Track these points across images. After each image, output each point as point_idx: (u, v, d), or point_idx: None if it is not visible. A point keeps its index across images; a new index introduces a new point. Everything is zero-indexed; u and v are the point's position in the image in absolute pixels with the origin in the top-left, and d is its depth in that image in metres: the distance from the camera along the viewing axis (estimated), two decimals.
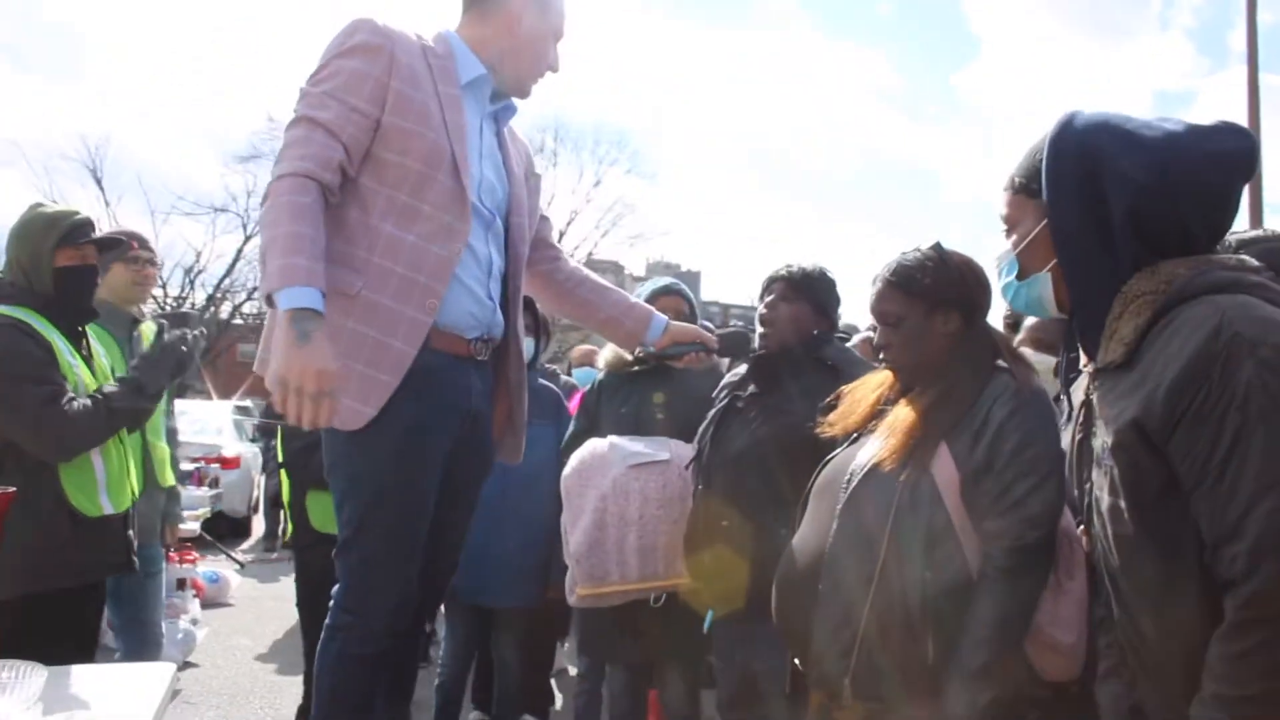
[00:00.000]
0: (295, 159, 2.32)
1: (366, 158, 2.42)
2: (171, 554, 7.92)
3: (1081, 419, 1.77)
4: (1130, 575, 1.63)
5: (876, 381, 2.47)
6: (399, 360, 2.38)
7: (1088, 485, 1.74)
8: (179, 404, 11.10)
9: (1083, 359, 1.79)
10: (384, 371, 2.37)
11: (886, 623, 2.09)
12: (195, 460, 9.84)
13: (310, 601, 3.95)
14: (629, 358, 3.82)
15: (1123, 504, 1.60)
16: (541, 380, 4.41)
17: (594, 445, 3.42)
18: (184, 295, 31.33)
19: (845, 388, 2.53)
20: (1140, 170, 1.62)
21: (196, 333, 3.48)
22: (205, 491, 8.59)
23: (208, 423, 12.82)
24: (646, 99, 62.45)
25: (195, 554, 8.91)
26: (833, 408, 2.50)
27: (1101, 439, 1.65)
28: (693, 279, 35.66)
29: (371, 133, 2.41)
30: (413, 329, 2.40)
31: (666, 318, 3.00)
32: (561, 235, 32.20)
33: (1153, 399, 1.53)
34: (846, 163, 67.35)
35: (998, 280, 1.89)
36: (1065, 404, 1.93)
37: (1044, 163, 1.73)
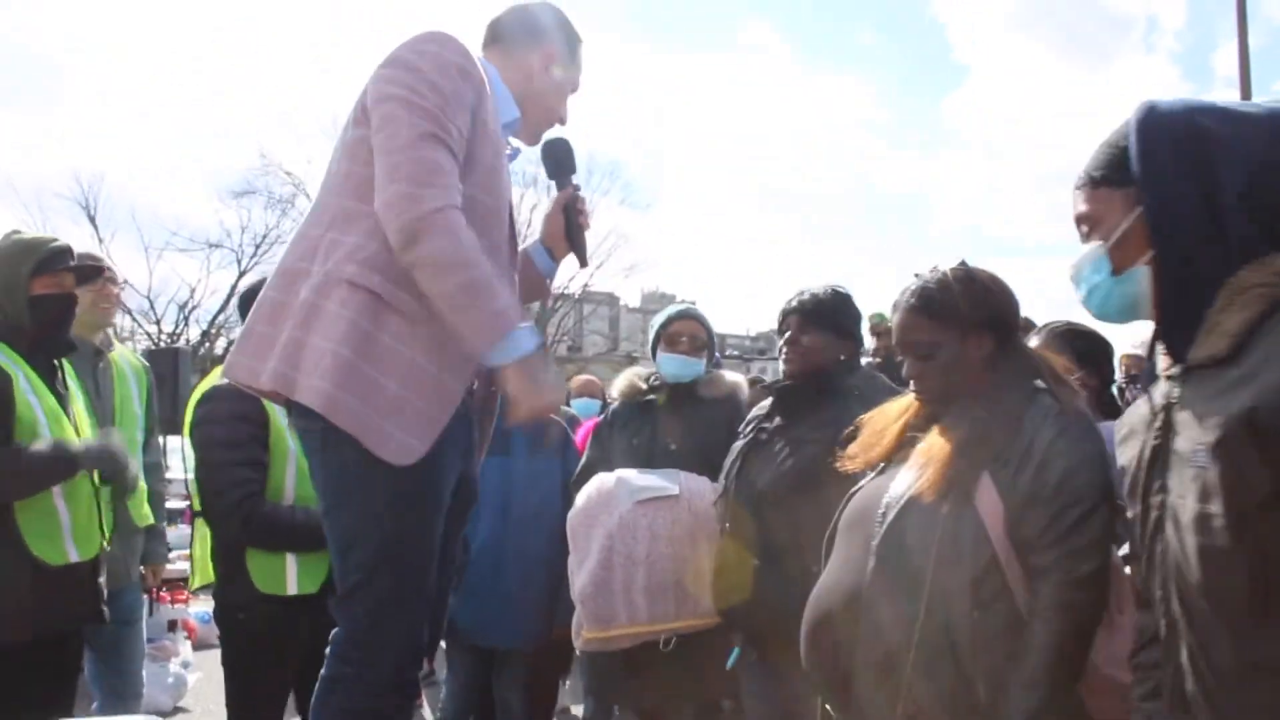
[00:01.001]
0: (448, 187, 2.13)
1: None
2: (162, 594, 7.73)
3: (1160, 424, 1.57)
4: (1214, 594, 1.42)
5: (899, 409, 2.31)
6: (450, 397, 2.23)
7: (1157, 498, 1.54)
8: (172, 441, 10.92)
9: (1162, 363, 1.60)
10: (437, 408, 2.20)
11: (934, 666, 1.94)
12: (187, 497, 9.61)
13: (238, 668, 3.55)
14: (642, 386, 3.69)
15: (1216, 510, 1.39)
16: None
17: (600, 481, 3.27)
18: (178, 331, 31.17)
19: (864, 416, 2.38)
20: (1258, 143, 1.46)
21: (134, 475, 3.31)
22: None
23: None
24: (637, 130, 62.68)
25: (187, 594, 8.72)
26: (852, 439, 2.35)
27: (1192, 439, 1.45)
28: None
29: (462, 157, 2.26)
30: (466, 365, 2.26)
31: (535, 241, 2.78)
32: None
33: (1272, 389, 1.34)
34: (836, 190, 67.67)
35: (1077, 287, 1.69)
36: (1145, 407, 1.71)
37: (1135, 148, 1.55)
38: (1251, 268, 1.45)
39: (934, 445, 2.10)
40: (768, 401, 2.98)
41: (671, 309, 3.76)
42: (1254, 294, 1.43)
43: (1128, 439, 1.69)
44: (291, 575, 3.20)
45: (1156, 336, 1.62)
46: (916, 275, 2.23)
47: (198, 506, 3.69)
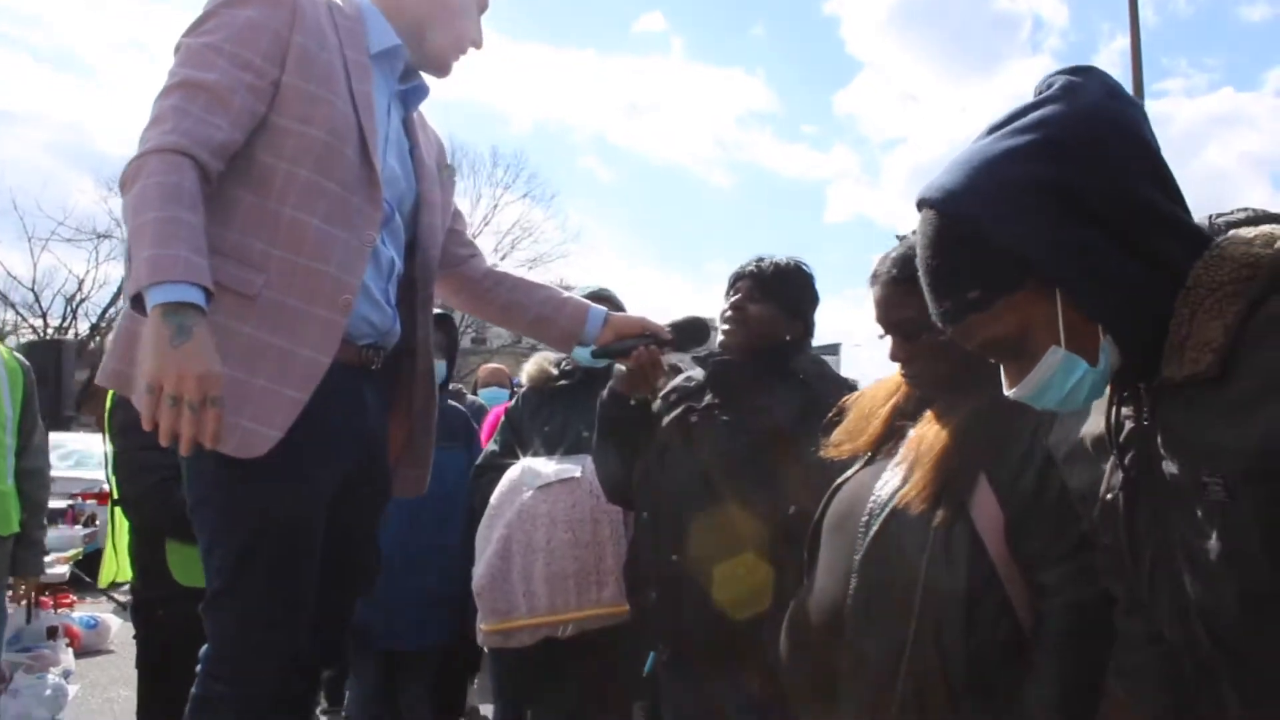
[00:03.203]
0: (164, 133, 1.87)
1: (262, 126, 2.00)
2: (44, 599, 7.33)
3: (1134, 448, 1.35)
4: (1267, 639, 1.21)
5: (887, 391, 2.04)
6: (309, 371, 1.96)
7: (1150, 532, 1.33)
8: (56, 437, 10.44)
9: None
10: (291, 386, 1.94)
11: (926, 701, 1.68)
12: (72, 496, 9.16)
13: (156, 669, 3.32)
14: (553, 371, 3.50)
15: (1255, 550, 1.18)
16: (450, 401, 4.04)
17: (508, 474, 3.08)
18: (65, 325, 29.93)
19: (849, 398, 2.13)
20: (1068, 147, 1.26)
21: None
22: (78, 530, 7.95)
23: (88, 456, 11.98)
24: (537, 124, 62.15)
25: (73, 597, 8.29)
26: (835, 424, 2.09)
27: (1193, 472, 1.23)
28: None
29: (269, 97, 1.99)
30: (325, 332, 1.98)
31: (605, 310, 2.60)
32: None
33: None
34: (732, 182, 68.05)
35: (1051, 404, 1.36)
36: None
37: (1006, 239, 1.28)
38: (1204, 263, 1.26)
39: (924, 440, 1.84)
40: (695, 372, 2.71)
41: (584, 288, 3.58)
42: (1223, 294, 1.23)
43: (1079, 459, 1.50)
44: None
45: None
46: (899, 238, 1.95)
47: (115, 494, 3.50)
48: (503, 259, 33.39)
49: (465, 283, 2.56)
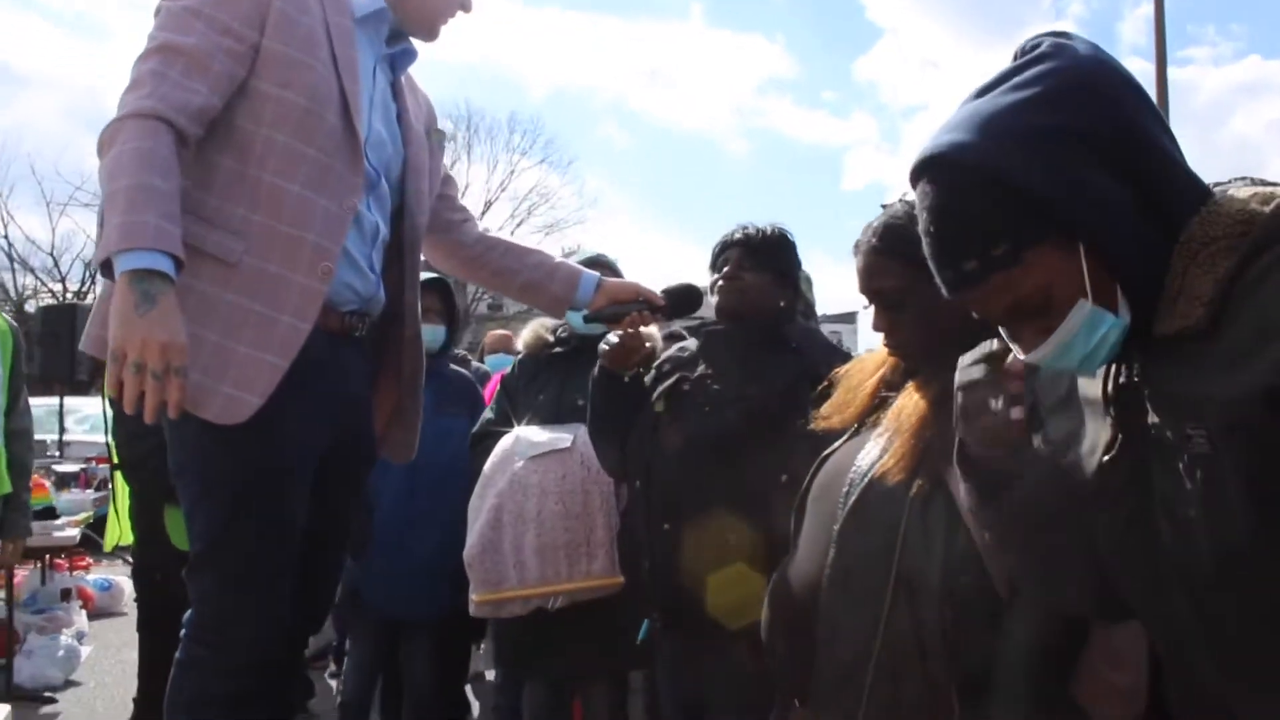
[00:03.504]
0: (141, 98, 1.88)
1: (241, 92, 2.00)
2: (59, 562, 7.41)
3: (1121, 403, 1.32)
4: (1249, 599, 1.18)
5: (876, 362, 2.00)
6: (289, 338, 1.98)
7: (1130, 488, 1.30)
8: (71, 401, 10.48)
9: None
10: (271, 352, 1.96)
11: (900, 674, 1.66)
12: (86, 460, 9.24)
13: (155, 631, 3.36)
14: (549, 338, 3.49)
15: (1238, 504, 1.14)
16: (453, 367, 4.04)
17: (501, 443, 3.08)
18: (85, 289, 30.07)
19: (839, 370, 2.09)
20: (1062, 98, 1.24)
21: None
22: (89, 494, 8.02)
23: (102, 421, 12.08)
24: (556, 90, 61.88)
25: (88, 560, 8.39)
26: (825, 397, 2.05)
27: (1178, 426, 1.20)
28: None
29: (248, 61, 1.99)
30: (305, 299, 2.00)
31: (599, 275, 2.60)
32: None
33: None
34: (749, 149, 67.59)
35: (1076, 362, 1.30)
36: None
37: (1031, 179, 1.24)
38: (1200, 221, 1.23)
39: (905, 410, 1.80)
40: (691, 343, 2.70)
41: (581, 255, 3.56)
42: (1218, 248, 1.20)
43: (1065, 409, 1.45)
44: None
45: None
46: (884, 207, 1.90)
47: (116, 459, 3.52)
48: (519, 225, 33.46)
49: (457, 248, 2.56)
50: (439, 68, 50.88)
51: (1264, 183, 1.31)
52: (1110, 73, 1.27)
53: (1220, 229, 1.21)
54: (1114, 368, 1.35)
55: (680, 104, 66.33)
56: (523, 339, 3.64)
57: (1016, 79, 1.27)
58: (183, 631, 2.07)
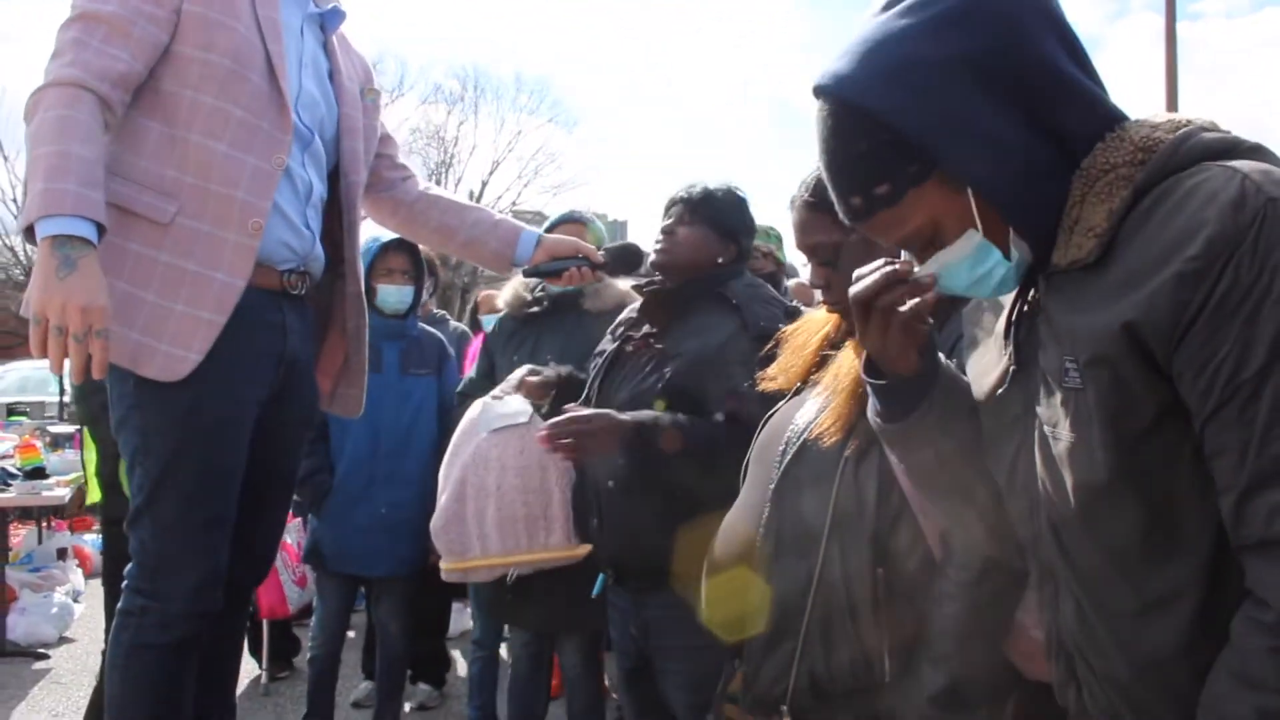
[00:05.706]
0: (63, 65, 1.92)
1: (165, 56, 2.03)
2: (59, 522, 7.50)
3: (1019, 337, 1.30)
4: (1102, 536, 1.18)
5: (820, 321, 1.97)
6: (224, 294, 2.03)
7: (1020, 435, 1.29)
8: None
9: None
10: (207, 309, 2.01)
11: (832, 634, 1.66)
12: (81, 423, 9.30)
13: (117, 584, 3.42)
14: (527, 297, 3.50)
15: (1097, 440, 1.13)
16: (423, 326, 4.06)
17: (469, 412, 3.11)
18: None
19: (786, 329, 2.07)
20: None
21: None
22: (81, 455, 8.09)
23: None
24: (563, 49, 61.45)
25: (92, 520, 8.48)
26: (771, 358, 2.04)
27: (1060, 355, 1.18)
28: (619, 228, 35.35)
29: (170, 26, 2.01)
30: (237, 256, 2.05)
31: (539, 231, 2.63)
32: (484, 185, 31.80)
33: (1155, 294, 1.07)
34: (761, 110, 67.03)
35: (961, 287, 1.29)
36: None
37: (909, 121, 1.19)
38: (1103, 147, 1.19)
39: (841, 368, 1.77)
40: (638, 304, 2.70)
41: (559, 213, 3.56)
42: (1114, 177, 1.16)
43: (981, 346, 1.43)
44: None
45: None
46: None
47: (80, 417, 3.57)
48: (525, 186, 33.28)
49: (398, 206, 2.59)
50: (446, 27, 50.61)
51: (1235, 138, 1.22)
52: None
53: (1121, 156, 1.17)
54: (1017, 298, 1.33)
55: (689, 66, 65.81)
56: (503, 297, 3.67)
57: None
58: (123, 583, 2.13)
